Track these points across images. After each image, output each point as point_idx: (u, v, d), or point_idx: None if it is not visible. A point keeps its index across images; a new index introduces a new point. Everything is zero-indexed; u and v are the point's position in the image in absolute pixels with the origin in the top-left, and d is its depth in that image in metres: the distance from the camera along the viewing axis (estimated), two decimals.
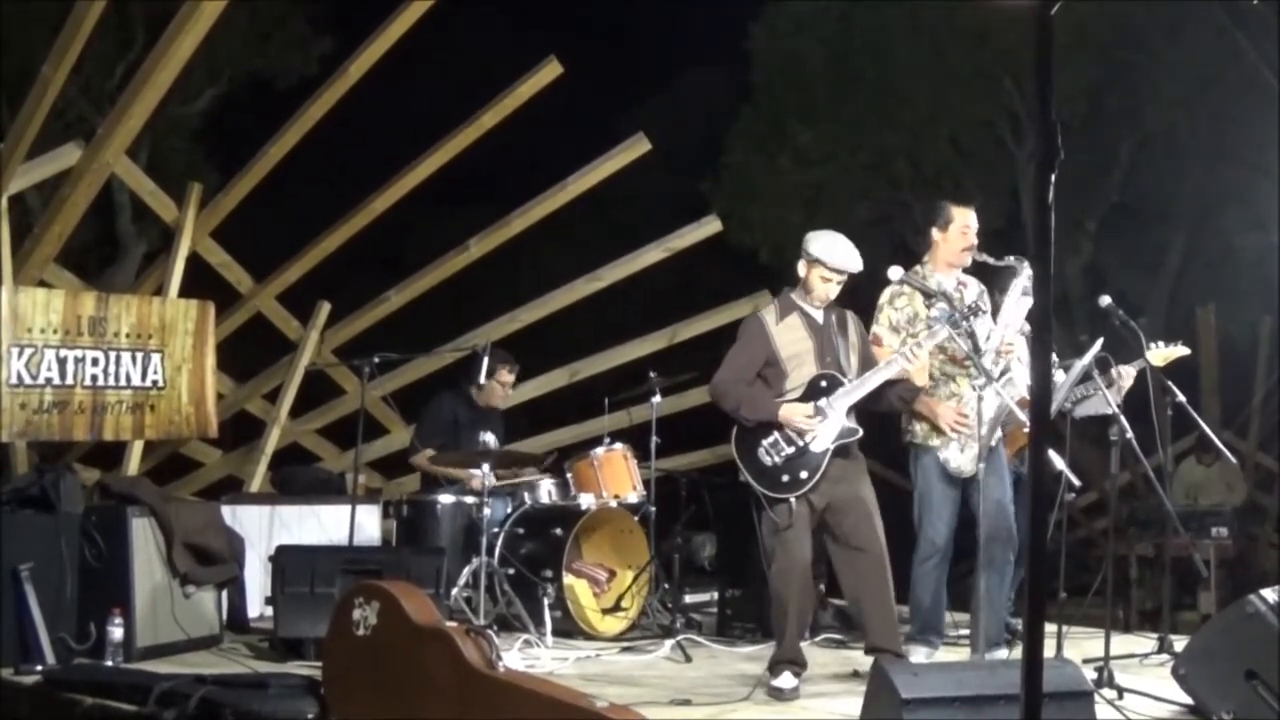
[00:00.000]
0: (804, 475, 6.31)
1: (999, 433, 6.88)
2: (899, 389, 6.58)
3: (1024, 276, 6.85)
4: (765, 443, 6.38)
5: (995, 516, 6.81)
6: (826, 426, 6.36)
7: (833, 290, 6.56)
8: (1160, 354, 7.52)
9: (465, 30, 17.65)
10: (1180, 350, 7.61)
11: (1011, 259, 6.94)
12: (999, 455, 7.07)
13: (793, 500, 6.31)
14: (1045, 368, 2.91)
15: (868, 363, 6.62)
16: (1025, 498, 7.19)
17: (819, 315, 6.60)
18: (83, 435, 9.01)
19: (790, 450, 6.35)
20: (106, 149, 9.23)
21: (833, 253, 6.52)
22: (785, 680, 6.34)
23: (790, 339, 6.52)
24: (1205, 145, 17.09)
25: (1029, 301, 6.69)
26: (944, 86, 18.33)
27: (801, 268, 6.59)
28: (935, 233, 7.30)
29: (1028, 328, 6.78)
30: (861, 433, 6.50)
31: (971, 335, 6.54)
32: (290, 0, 17.41)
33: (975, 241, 7.25)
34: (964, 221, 7.27)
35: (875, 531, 6.47)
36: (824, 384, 6.44)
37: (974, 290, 7.26)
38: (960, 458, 6.97)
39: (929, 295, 6.89)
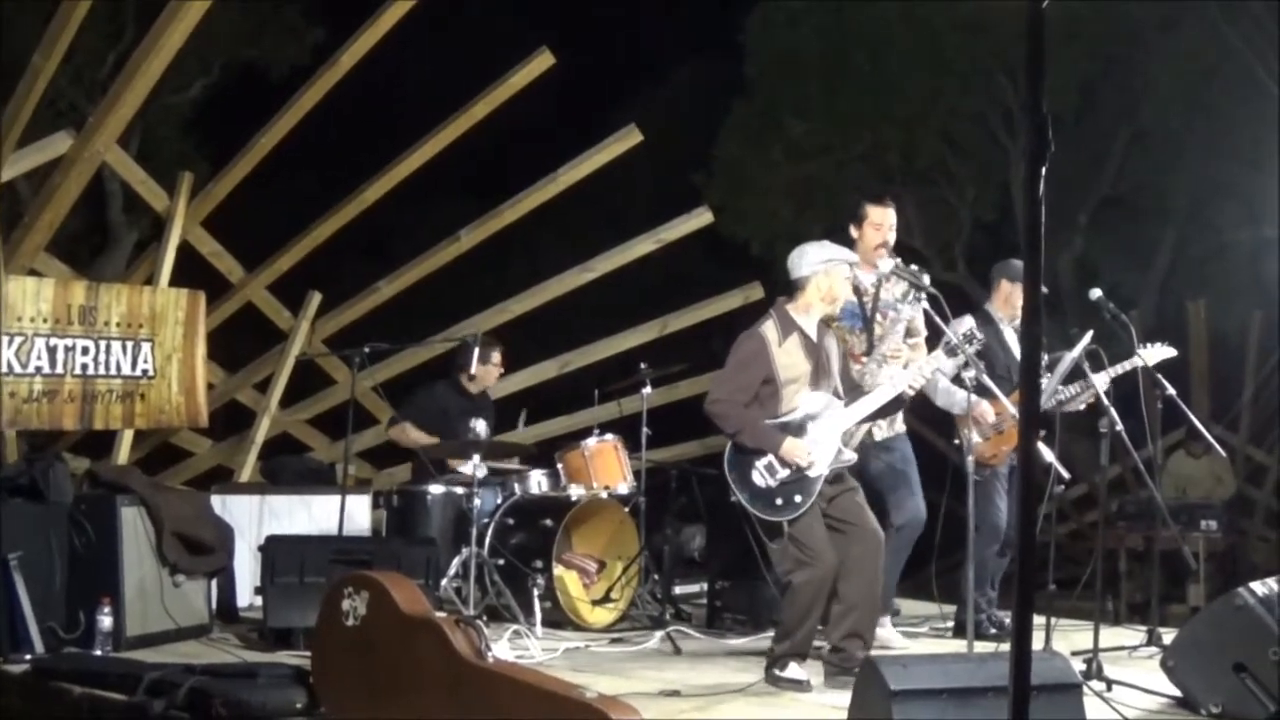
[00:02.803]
0: (798, 499, 6.27)
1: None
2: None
3: (924, 280, 6.99)
4: (760, 464, 6.32)
5: None
6: (822, 451, 6.33)
7: None
8: (1152, 354, 7.52)
9: (457, 20, 17.65)
10: (1168, 351, 7.61)
11: (914, 266, 7.13)
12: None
13: (785, 523, 6.27)
14: (1034, 361, 2.92)
15: (845, 376, 6.68)
16: (1016, 490, 7.24)
17: (814, 334, 6.54)
18: (72, 424, 8.99)
19: (785, 474, 6.29)
20: (97, 138, 9.20)
21: (838, 249, 6.59)
22: (795, 671, 6.29)
23: (790, 361, 6.43)
24: (1198, 140, 17.11)
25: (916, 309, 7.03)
26: (937, 80, 18.35)
27: (821, 281, 6.50)
28: (853, 229, 7.53)
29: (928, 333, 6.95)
30: (856, 459, 6.54)
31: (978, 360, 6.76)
32: None
33: (889, 240, 7.49)
34: (876, 220, 7.51)
35: (865, 510, 6.48)
36: (820, 408, 6.41)
37: (900, 287, 7.37)
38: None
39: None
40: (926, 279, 7.04)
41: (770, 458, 6.31)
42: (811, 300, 6.53)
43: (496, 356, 9.28)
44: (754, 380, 6.42)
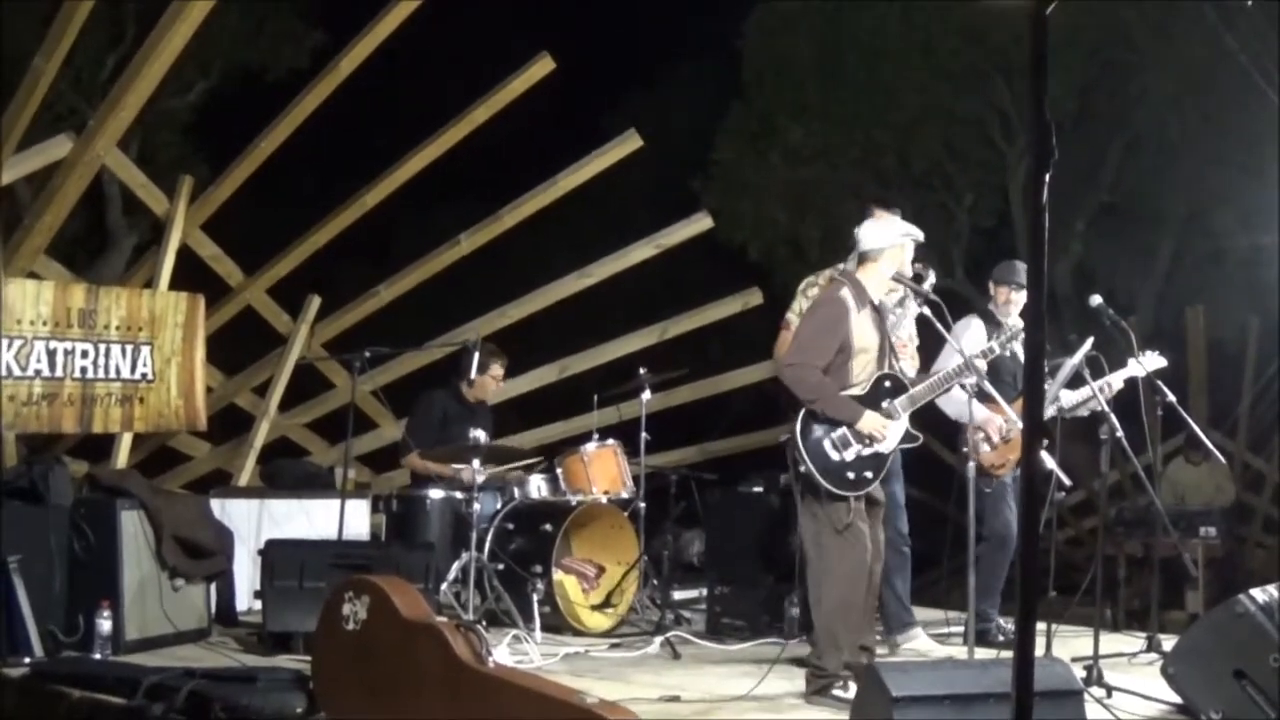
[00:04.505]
0: (869, 475, 6.18)
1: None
2: None
3: (927, 284, 6.88)
4: (834, 436, 6.16)
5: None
6: (893, 429, 6.24)
7: None
8: (1145, 362, 7.51)
9: (457, 25, 17.63)
10: (1159, 361, 7.56)
11: (918, 266, 7.02)
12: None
13: (852, 499, 6.16)
14: (1038, 367, 2.92)
15: None
16: (1018, 496, 7.24)
17: (880, 308, 6.42)
18: (71, 427, 8.98)
19: (858, 448, 6.16)
20: (97, 141, 9.20)
21: (909, 225, 6.47)
22: (851, 691, 5.95)
23: (863, 331, 6.27)
24: (1194, 146, 17.11)
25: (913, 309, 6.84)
26: (934, 84, 18.36)
27: (895, 254, 6.34)
28: None
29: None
30: (921, 440, 6.49)
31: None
32: None
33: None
34: None
35: (880, 518, 6.46)
36: (889, 384, 6.30)
37: (895, 293, 7.32)
38: None
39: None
40: (931, 278, 6.95)
41: (844, 431, 6.16)
42: (885, 272, 6.34)
43: (498, 369, 9.26)
44: (832, 345, 6.19)
